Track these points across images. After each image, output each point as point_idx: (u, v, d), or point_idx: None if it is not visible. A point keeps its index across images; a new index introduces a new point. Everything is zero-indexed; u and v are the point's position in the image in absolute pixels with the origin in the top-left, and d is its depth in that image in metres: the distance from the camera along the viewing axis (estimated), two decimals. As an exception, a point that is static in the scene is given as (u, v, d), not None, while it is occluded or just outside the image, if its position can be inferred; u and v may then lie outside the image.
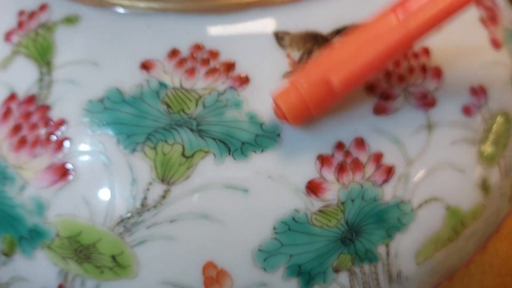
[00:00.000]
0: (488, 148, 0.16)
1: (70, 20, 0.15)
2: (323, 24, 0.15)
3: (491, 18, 0.18)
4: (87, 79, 0.15)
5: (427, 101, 0.15)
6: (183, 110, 0.14)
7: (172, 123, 0.14)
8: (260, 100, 0.14)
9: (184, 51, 0.14)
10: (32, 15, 0.16)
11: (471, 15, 0.18)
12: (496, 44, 0.18)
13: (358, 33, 0.13)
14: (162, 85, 0.14)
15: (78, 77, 0.15)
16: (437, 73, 0.16)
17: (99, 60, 0.15)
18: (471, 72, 0.16)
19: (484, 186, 0.16)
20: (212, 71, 0.14)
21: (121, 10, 0.15)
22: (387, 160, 0.14)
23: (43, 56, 0.15)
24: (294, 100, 0.13)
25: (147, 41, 0.15)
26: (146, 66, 0.14)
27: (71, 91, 0.15)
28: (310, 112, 0.13)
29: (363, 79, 0.13)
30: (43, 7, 0.16)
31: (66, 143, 0.14)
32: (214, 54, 0.14)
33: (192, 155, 0.14)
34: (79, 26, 0.15)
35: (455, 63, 0.16)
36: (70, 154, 0.14)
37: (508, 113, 0.17)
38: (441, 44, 0.16)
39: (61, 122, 0.14)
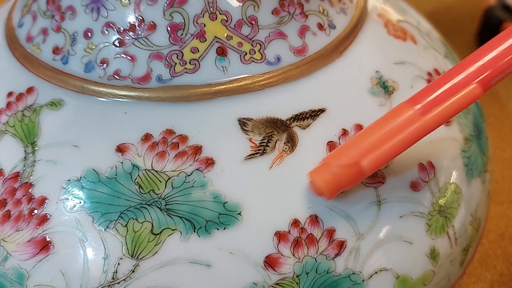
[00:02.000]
0: (436, 220, 0.18)
1: (55, 104, 0.17)
2: (282, 111, 0.17)
3: (442, 95, 0.20)
4: (67, 160, 0.16)
5: (377, 179, 0.17)
6: (153, 191, 0.15)
7: (143, 203, 0.15)
8: (224, 181, 0.16)
9: (156, 135, 0.16)
10: (19, 97, 0.18)
11: (422, 94, 0.20)
12: (446, 120, 0.19)
13: (381, 122, 0.16)
14: (135, 167, 0.16)
15: (59, 157, 0.16)
16: (387, 152, 0.17)
17: (79, 142, 0.16)
18: (420, 149, 0.18)
19: (433, 255, 0.18)
20: (180, 154, 0.16)
21: (101, 97, 0.17)
22: (339, 235, 0.16)
23: (28, 137, 0.17)
24: (330, 178, 0.15)
25: (123, 126, 0.16)
26: (121, 149, 0.16)
27: (52, 170, 0.16)
28: (343, 187, 0.16)
29: (386, 161, 0.16)
30: (30, 90, 0.17)
31: (46, 219, 0.16)
32: (183, 139, 0.16)
33: (160, 233, 0.15)
34: (63, 110, 0.17)
35: (404, 141, 0.18)
36: (50, 229, 0.15)
37: (456, 185, 0.19)
38: (392, 124, 0.18)
39: (43, 199, 0.16)
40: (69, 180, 0.16)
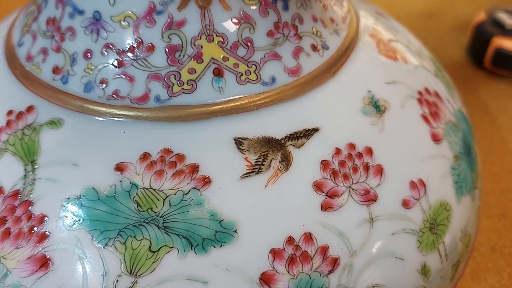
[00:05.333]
0: (427, 236, 0.18)
1: (54, 123, 0.17)
2: (277, 130, 0.17)
3: (433, 114, 0.21)
4: (66, 178, 0.16)
5: (369, 197, 0.17)
6: (151, 209, 0.16)
7: (141, 220, 0.16)
8: (220, 199, 0.16)
9: (155, 154, 0.16)
10: (20, 115, 0.18)
11: (413, 113, 0.20)
12: (436, 138, 0.20)
13: None
14: (134, 185, 0.16)
15: (59, 176, 0.16)
16: (379, 170, 0.18)
17: (78, 161, 0.17)
18: (411, 167, 0.19)
19: (424, 271, 0.18)
20: (178, 173, 0.16)
21: (100, 117, 0.17)
22: (333, 252, 0.16)
23: (28, 156, 0.17)
24: None
25: (122, 145, 0.17)
26: (120, 168, 0.16)
27: (52, 188, 0.16)
28: None
29: None
30: (30, 109, 0.18)
31: (46, 237, 0.16)
32: (181, 158, 0.16)
33: (158, 250, 0.15)
34: (62, 129, 0.17)
35: (396, 160, 0.18)
36: (49, 246, 0.16)
37: (446, 202, 0.19)
38: (384, 143, 0.18)
39: (42, 217, 0.16)
40: (68, 198, 0.16)
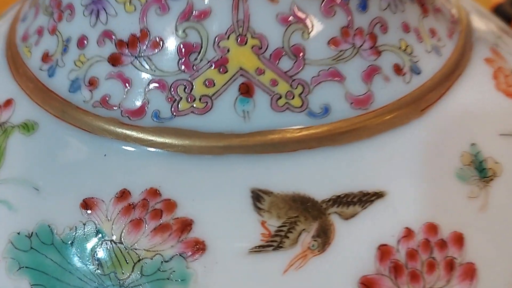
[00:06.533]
0: None
1: (27, 127, 0.13)
2: (318, 187, 0.11)
3: None
4: (23, 206, 0.12)
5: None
6: (115, 273, 0.11)
7: (99, 287, 0.11)
8: (214, 279, 0.11)
9: (136, 195, 0.12)
10: (-4, 109, 0.14)
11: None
12: None
13: None
14: (100, 234, 0.11)
15: (15, 200, 0.12)
16: (470, 272, 0.11)
17: (41, 185, 0.12)
18: (522, 272, 0.12)
19: None
20: (162, 228, 0.11)
21: (80, 128, 0.12)
22: None
23: (-11, 164, 0.13)
24: None
25: (97, 173, 0.12)
26: (87, 205, 0.12)
27: (5, 215, 0.12)
28: None
29: None
30: (7, 103, 0.14)
31: (-18, 280, 0.12)
32: (170, 206, 0.11)
33: (112, 337, 0.11)
34: (34, 137, 0.13)
35: (498, 257, 0.12)
36: (-18, 295, 0.12)
37: None
38: (484, 228, 0.12)
39: (-16, 253, 0.12)
40: (18, 234, 0.12)
